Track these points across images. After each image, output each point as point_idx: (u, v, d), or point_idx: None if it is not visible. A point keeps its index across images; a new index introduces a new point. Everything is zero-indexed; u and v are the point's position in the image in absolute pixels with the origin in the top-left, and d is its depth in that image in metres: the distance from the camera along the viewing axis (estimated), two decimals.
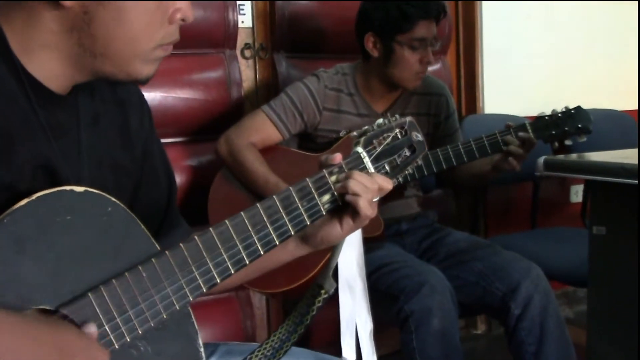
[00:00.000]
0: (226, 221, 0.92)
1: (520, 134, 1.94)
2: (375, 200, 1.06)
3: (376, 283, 1.89)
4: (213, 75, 2.27)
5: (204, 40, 2.24)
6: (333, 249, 1.18)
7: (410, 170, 1.20)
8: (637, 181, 1.50)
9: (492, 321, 3.05)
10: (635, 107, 3.37)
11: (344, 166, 1.07)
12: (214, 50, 2.27)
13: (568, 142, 2.06)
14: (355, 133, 1.16)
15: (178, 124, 2.22)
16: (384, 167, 1.14)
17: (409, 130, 1.20)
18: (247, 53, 2.41)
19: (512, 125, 1.98)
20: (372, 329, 1.32)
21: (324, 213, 1.04)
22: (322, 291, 1.13)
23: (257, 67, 2.43)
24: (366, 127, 1.17)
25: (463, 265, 2.02)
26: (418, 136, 1.21)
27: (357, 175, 1.05)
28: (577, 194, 3.24)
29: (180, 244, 0.89)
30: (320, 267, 1.96)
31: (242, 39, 2.39)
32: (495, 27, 2.99)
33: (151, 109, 2.14)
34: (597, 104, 3.20)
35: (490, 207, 3.03)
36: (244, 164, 2.00)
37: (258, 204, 0.96)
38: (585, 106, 3.15)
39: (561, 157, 1.79)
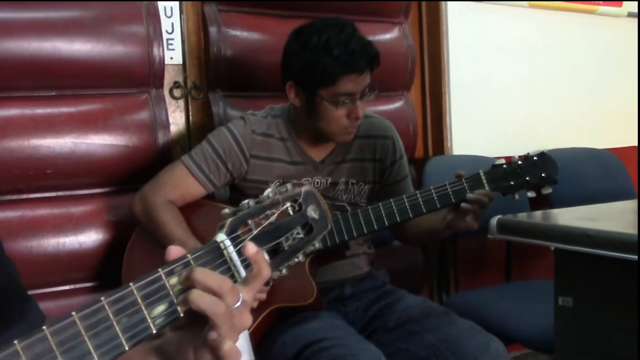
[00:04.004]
0: None
1: (470, 196, 1.68)
2: (236, 306, 0.79)
3: None
4: (136, 117, 2.01)
5: (124, 79, 1.99)
6: None
7: (299, 258, 0.92)
8: (601, 251, 1.24)
9: None
10: (619, 145, 3.13)
11: (192, 262, 0.79)
12: (137, 89, 2.01)
13: (546, 191, 1.79)
14: (227, 210, 0.88)
15: (94, 173, 1.96)
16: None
17: (305, 204, 0.92)
18: (177, 92, 2.15)
19: (463, 174, 1.72)
20: None
21: (155, 331, 0.76)
22: None
23: (189, 107, 2.18)
24: (244, 201, 0.90)
25: (413, 337, 1.74)
26: (316, 212, 0.93)
27: (203, 275, 0.76)
28: None
29: None
30: None
31: (171, 76, 2.14)
32: (463, 59, 2.75)
33: (60, 157, 1.92)
34: (577, 142, 2.97)
35: (461, 257, 2.76)
36: (158, 226, 1.74)
37: (45, 327, 0.68)
38: (563, 145, 2.95)
39: (517, 217, 1.52)
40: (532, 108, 2.95)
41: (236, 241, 0.83)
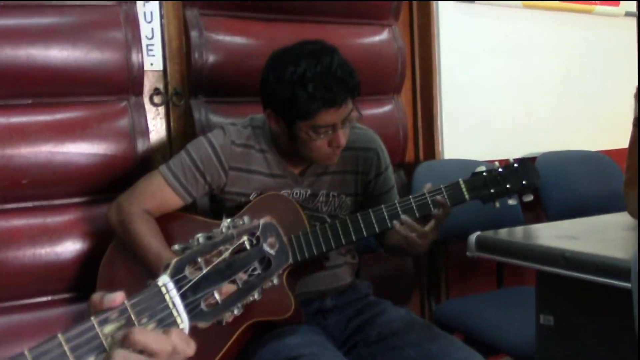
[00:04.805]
0: None
1: (403, 217, 1.65)
2: None
3: None
4: (114, 125, 1.97)
5: (102, 86, 1.95)
6: None
7: (255, 296, 0.87)
8: (576, 273, 1.20)
9: None
10: (614, 147, 3.07)
11: (129, 309, 0.74)
12: (115, 97, 1.98)
13: (527, 198, 1.74)
14: (176, 247, 0.83)
15: (71, 183, 1.92)
16: (213, 295, 0.82)
17: (263, 238, 0.87)
18: (157, 99, 2.11)
19: (430, 187, 1.69)
20: None
21: None
22: None
23: (170, 115, 2.14)
24: (196, 236, 0.85)
25: (394, 352, 1.70)
26: (274, 246, 0.88)
27: (140, 335, 0.71)
28: None
29: None
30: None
31: (151, 83, 2.10)
32: (455, 61, 2.69)
33: (36, 167, 1.88)
34: (571, 145, 2.92)
35: (452, 263, 2.72)
36: (134, 236, 1.70)
37: None
38: (557, 147, 2.90)
39: (497, 234, 1.48)
40: (525, 110, 2.90)
41: (180, 284, 0.79)
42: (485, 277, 2.70)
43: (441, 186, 1.69)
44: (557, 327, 1.44)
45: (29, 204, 1.89)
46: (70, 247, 1.92)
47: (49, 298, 1.94)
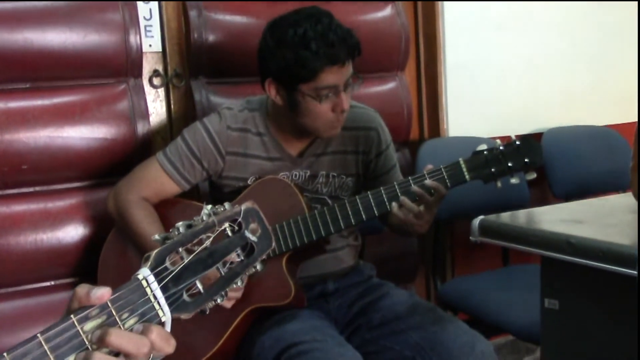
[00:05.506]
0: None
1: (415, 188, 1.62)
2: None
3: None
4: (114, 108, 1.94)
5: (100, 69, 1.93)
6: None
7: (238, 283, 0.86)
8: (582, 260, 1.18)
9: None
10: (622, 121, 3.03)
11: (109, 304, 0.72)
12: (114, 79, 1.95)
13: (530, 177, 1.71)
14: (157, 237, 0.82)
15: (71, 167, 1.91)
16: (196, 285, 0.81)
17: (245, 224, 0.85)
18: (157, 81, 2.08)
19: (430, 168, 1.66)
20: None
21: None
22: None
23: (170, 96, 2.11)
24: (176, 225, 0.83)
25: (398, 336, 1.69)
26: (256, 231, 0.86)
27: (115, 337, 0.69)
28: None
29: None
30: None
31: (150, 65, 2.07)
32: (460, 37, 2.65)
33: (35, 152, 1.87)
34: (579, 120, 2.88)
35: (458, 240, 2.70)
36: (131, 224, 1.69)
37: None
38: (564, 123, 2.86)
39: (500, 218, 1.45)
40: (531, 86, 2.85)
41: (161, 275, 0.77)
42: (492, 255, 2.68)
43: (441, 167, 1.66)
44: (563, 311, 1.42)
45: (30, 189, 1.88)
46: (71, 232, 1.91)
47: (52, 283, 1.94)
